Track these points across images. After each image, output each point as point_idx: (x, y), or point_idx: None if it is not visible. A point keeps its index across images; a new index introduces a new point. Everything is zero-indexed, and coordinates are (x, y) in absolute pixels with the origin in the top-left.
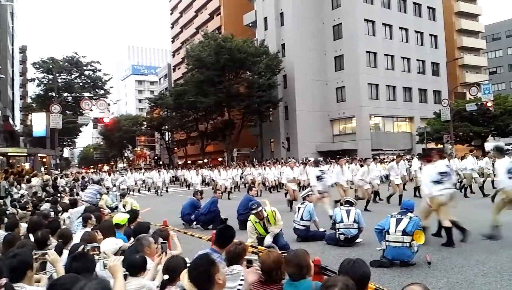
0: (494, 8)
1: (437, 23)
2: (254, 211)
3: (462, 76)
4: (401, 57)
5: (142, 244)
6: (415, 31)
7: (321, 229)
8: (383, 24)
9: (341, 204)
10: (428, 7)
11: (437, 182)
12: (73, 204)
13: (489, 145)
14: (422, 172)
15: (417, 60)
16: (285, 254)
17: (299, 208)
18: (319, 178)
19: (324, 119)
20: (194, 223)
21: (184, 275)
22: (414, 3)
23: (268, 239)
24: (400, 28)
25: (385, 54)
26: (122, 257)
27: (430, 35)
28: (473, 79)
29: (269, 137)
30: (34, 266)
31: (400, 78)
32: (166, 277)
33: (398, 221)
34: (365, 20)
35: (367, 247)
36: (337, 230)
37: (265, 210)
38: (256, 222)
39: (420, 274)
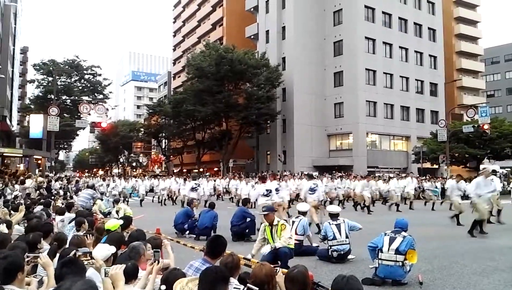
0: (494, 32)
1: (437, 44)
2: (262, 214)
3: (460, 97)
4: (400, 76)
5: (139, 252)
6: (415, 51)
7: (314, 244)
8: (384, 42)
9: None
10: (429, 28)
11: (264, 195)
12: (70, 207)
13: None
14: (255, 189)
15: (416, 79)
16: (285, 270)
17: (293, 222)
18: (193, 189)
19: (321, 134)
20: (187, 232)
21: (176, 285)
22: (415, 23)
23: (265, 249)
24: (400, 47)
25: (384, 73)
26: (123, 266)
27: (430, 55)
28: (470, 101)
29: (266, 149)
30: (25, 269)
31: (398, 97)
32: (163, 287)
33: (391, 240)
34: (366, 38)
35: (359, 264)
36: (329, 247)
37: (278, 220)
38: (267, 225)
39: None
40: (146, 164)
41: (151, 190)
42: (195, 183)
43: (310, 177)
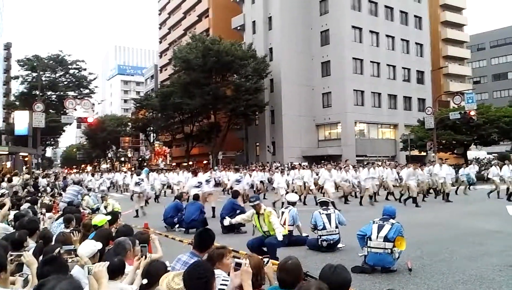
0: (479, 19)
1: (423, 32)
2: (250, 204)
3: (446, 84)
4: (387, 65)
5: (125, 248)
6: (401, 39)
7: (304, 234)
8: (370, 31)
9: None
10: (415, 16)
11: (196, 186)
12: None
13: (471, 153)
14: (188, 181)
15: (403, 68)
16: (275, 261)
17: (282, 212)
18: (137, 183)
19: (309, 124)
20: (177, 226)
21: (163, 280)
22: (401, 11)
23: (279, 237)
24: (386, 36)
25: (371, 61)
26: (107, 263)
27: (416, 43)
28: (457, 88)
29: (255, 141)
30: (8, 268)
31: (386, 85)
32: (145, 281)
33: (380, 228)
34: (353, 27)
35: (349, 253)
36: (319, 237)
37: (265, 208)
38: (255, 213)
39: (401, 281)
40: (149, 157)
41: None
42: (139, 178)
43: (237, 170)
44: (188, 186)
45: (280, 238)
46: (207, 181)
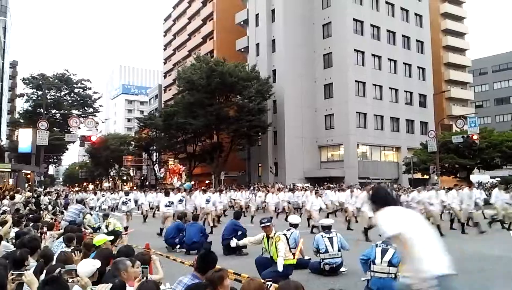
0: (481, 44)
1: (425, 56)
2: (261, 225)
3: (448, 108)
4: (389, 88)
5: (119, 268)
6: (404, 63)
7: (306, 257)
8: (373, 54)
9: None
10: (417, 40)
11: (167, 205)
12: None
13: (474, 177)
14: (161, 200)
15: (405, 91)
16: (275, 284)
17: (285, 234)
18: (124, 203)
19: (312, 146)
20: (178, 246)
21: None
22: (403, 35)
23: (278, 268)
24: (389, 59)
25: (373, 84)
26: (109, 285)
27: (418, 67)
28: (459, 112)
29: (257, 162)
30: (9, 287)
31: (388, 108)
32: None
33: (383, 252)
34: (355, 50)
35: (351, 277)
36: (321, 261)
37: (275, 232)
38: (265, 236)
39: None
40: (163, 176)
41: None
42: (126, 198)
43: (204, 191)
44: (161, 205)
45: (279, 268)
46: (180, 201)
